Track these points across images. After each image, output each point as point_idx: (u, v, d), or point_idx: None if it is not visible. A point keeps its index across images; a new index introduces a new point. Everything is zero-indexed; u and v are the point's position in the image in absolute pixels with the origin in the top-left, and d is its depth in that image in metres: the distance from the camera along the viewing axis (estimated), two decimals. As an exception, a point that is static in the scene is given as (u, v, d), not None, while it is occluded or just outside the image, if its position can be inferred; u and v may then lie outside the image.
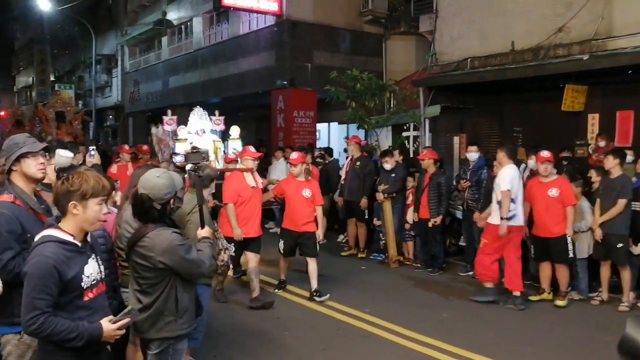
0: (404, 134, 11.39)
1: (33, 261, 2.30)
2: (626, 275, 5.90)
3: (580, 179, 6.48)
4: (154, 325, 2.91)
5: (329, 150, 10.55)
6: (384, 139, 11.19)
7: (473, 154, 7.39)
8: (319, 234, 6.34)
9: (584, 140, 9.26)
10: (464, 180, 7.34)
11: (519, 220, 5.94)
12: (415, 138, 11.24)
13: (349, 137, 9.96)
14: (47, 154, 3.06)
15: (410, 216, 7.80)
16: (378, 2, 14.47)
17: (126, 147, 10.07)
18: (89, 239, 2.53)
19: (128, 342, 3.59)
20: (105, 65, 26.04)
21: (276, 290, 6.51)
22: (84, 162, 6.22)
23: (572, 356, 4.83)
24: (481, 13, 9.87)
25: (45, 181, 3.21)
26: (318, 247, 6.36)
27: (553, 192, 5.99)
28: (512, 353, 4.83)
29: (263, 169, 9.55)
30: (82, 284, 2.39)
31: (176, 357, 3.01)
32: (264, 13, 14.16)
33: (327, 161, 9.87)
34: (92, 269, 2.46)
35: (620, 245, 5.82)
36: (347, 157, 9.14)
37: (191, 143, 6.66)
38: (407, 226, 7.94)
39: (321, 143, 15.30)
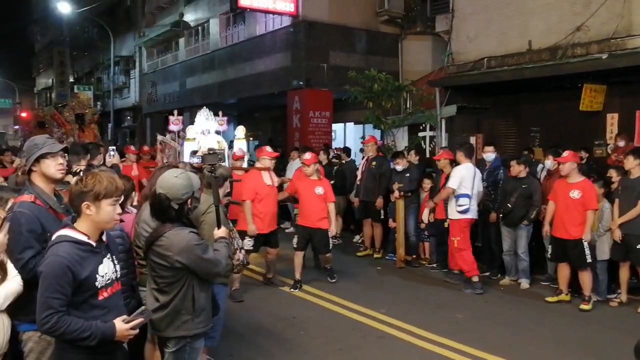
0: (420, 134, 11.35)
1: (47, 261, 2.35)
2: (646, 277, 5.82)
3: (594, 177, 6.37)
4: (171, 323, 2.94)
5: (347, 150, 10.57)
6: (400, 139, 11.16)
7: (489, 155, 7.33)
8: (332, 229, 6.63)
9: (602, 140, 9.12)
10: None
11: (472, 214, 6.60)
12: (432, 138, 11.20)
13: (365, 137, 9.96)
14: (66, 154, 3.11)
15: (426, 216, 7.78)
16: (394, 2, 14.42)
17: (132, 147, 10.26)
18: (104, 238, 2.56)
19: (146, 341, 3.63)
20: (124, 66, 26.37)
21: (292, 290, 6.59)
22: (104, 163, 6.34)
23: (590, 358, 4.77)
24: (498, 12, 9.79)
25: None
26: (331, 244, 6.72)
27: (575, 194, 5.91)
28: (528, 354, 4.79)
29: (280, 169, 9.62)
30: (97, 283, 2.42)
31: (193, 355, 3.04)
32: (280, 14, 14.21)
33: (343, 161, 9.89)
34: (107, 269, 2.48)
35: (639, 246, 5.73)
36: (363, 158, 9.14)
37: (198, 142, 6.80)
38: (422, 226, 7.93)
39: (337, 143, 15.31)
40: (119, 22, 26.14)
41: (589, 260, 5.87)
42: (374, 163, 8.37)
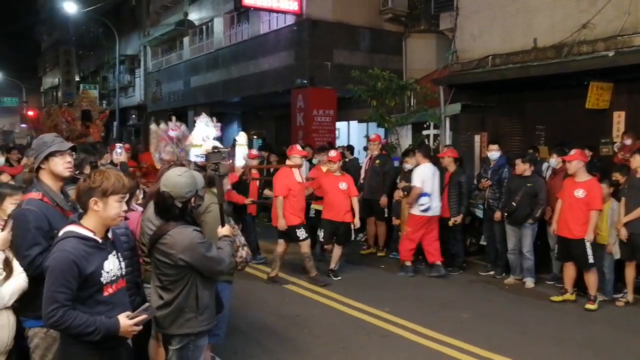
0: (424, 132, 11.32)
1: (54, 256, 2.38)
2: (652, 276, 5.78)
3: (597, 176, 6.30)
4: (175, 321, 2.95)
5: (350, 148, 10.54)
6: (404, 137, 11.14)
7: (494, 153, 7.30)
8: (356, 222, 7.06)
9: (609, 138, 9.05)
10: (485, 179, 7.26)
11: (434, 212, 7.03)
12: (436, 137, 11.17)
13: (368, 135, 9.95)
14: (73, 153, 3.15)
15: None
16: (398, 0, 14.39)
17: (127, 145, 10.39)
18: (110, 235, 2.59)
19: (150, 338, 3.65)
20: (129, 65, 26.45)
21: (332, 277, 7.00)
22: (111, 161, 6.36)
23: (595, 358, 4.75)
24: (503, 10, 9.73)
25: None
26: (353, 236, 7.25)
27: (579, 193, 5.86)
28: (533, 354, 4.78)
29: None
30: (102, 279, 2.45)
31: (197, 353, 3.05)
32: (284, 12, 14.20)
33: (347, 159, 9.87)
34: (112, 265, 2.52)
35: (645, 245, 5.69)
36: (366, 156, 9.13)
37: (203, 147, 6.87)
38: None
39: (341, 141, 15.29)
40: (124, 21, 26.22)
41: (591, 260, 5.82)
42: (377, 161, 8.36)
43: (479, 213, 7.67)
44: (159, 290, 2.99)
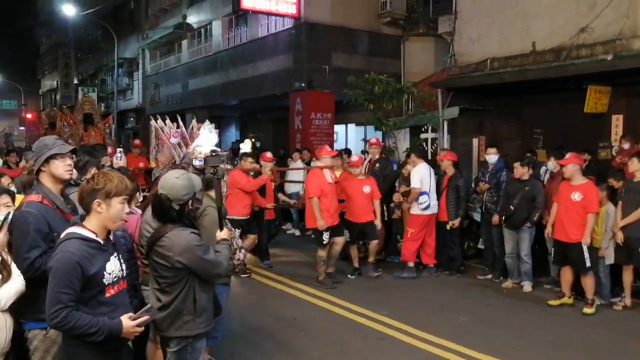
0: (422, 135, 11.33)
1: (57, 257, 2.40)
2: (649, 280, 5.77)
3: (593, 179, 6.30)
4: (172, 323, 2.96)
5: (348, 152, 10.53)
6: (402, 141, 11.15)
7: (492, 156, 7.30)
8: (378, 223, 7.21)
9: (607, 142, 9.07)
10: (483, 183, 7.26)
11: (433, 210, 7.19)
12: (434, 140, 11.18)
13: (369, 139, 9.97)
14: (74, 156, 3.15)
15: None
16: (396, 3, 14.43)
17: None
18: (111, 237, 2.62)
19: (148, 340, 3.64)
20: (127, 68, 26.46)
21: (350, 276, 7.20)
22: (111, 165, 6.36)
23: (594, 362, 4.74)
24: (501, 14, 9.76)
25: None
26: (377, 232, 7.30)
27: (576, 196, 5.85)
28: (531, 357, 4.77)
29: (282, 172, 9.67)
30: (104, 280, 2.47)
31: (195, 355, 3.06)
32: (282, 16, 14.23)
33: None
34: (114, 267, 2.54)
35: (641, 249, 5.69)
36: (365, 159, 9.12)
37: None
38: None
39: (338, 145, 15.31)
40: (123, 24, 26.23)
41: (588, 264, 5.80)
42: (377, 165, 8.36)
43: (477, 216, 7.67)
44: (157, 293, 3.00)
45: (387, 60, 14.61)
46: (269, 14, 14.31)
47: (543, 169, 7.46)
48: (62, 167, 2.99)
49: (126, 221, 3.14)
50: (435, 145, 10.85)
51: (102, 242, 2.51)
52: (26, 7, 41.42)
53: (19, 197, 3.39)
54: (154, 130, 7.35)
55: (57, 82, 34.46)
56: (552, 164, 6.90)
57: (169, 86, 21.93)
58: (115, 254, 2.60)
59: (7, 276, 2.71)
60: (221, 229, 3.31)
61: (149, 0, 23.61)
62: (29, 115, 32.16)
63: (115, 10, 26.60)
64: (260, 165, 7.40)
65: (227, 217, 6.83)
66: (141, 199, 4.18)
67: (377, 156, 8.50)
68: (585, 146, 7.90)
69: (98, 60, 30.34)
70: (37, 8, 40.56)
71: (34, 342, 2.79)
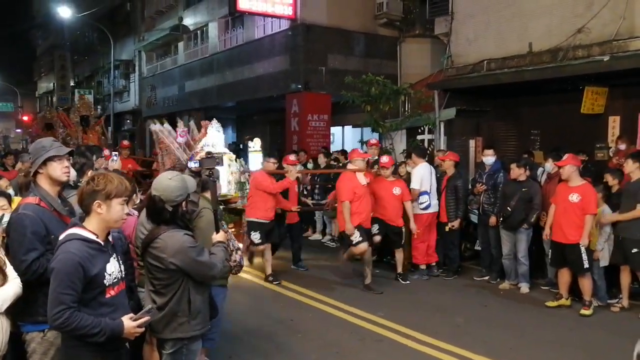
0: (419, 137, 11.31)
1: (59, 258, 2.40)
2: (645, 280, 5.76)
3: (589, 180, 6.30)
4: (167, 325, 2.95)
5: (344, 153, 10.50)
6: (399, 142, 11.13)
7: (489, 158, 7.29)
8: (411, 226, 7.04)
9: (604, 143, 9.07)
10: (480, 184, 7.25)
11: (433, 209, 7.28)
12: (430, 141, 11.16)
13: (368, 140, 9.95)
14: (71, 157, 3.14)
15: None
16: (393, 4, 14.43)
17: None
18: (110, 238, 2.63)
19: (144, 342, 3.62)
20: (123, 70, 26.40)
21: (402, 281, 7.13)
22: (106, 168, 6.36)
23: (591, 363, 4.73)
24: (498, 15, 9.76)
25: None
26: (403, 240, 7.13)
27: (574, 197, 5.84)
28: (530, 358, 4.76)
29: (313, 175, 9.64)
30: (105, 281, 2.49)
31: (190, 357, 3.05)
32: (279, 17, 14.20)
33: (341, 164, 9.84)
34: (114, 268, 2.56)
35: (635, 250, 5.67)
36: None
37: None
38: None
39: (335, 146, 15.28)
40: (119, 26, 26.19)
41: (586, 265, 5.80)
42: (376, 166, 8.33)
43: (474, 218, 7.65)
44: (152, 295, 2.99)
45: (384, 61, 14.60)
46: (265, 15, 14.28)
47: (540, 170, 7.45)
48: (60, 169, 2.99)
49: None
50: (432, 146, 10.83)
51: (102, 243, 2.53)
52: (22, 9, 41.32)
53: (16, 200, 3.37)
54: (155, 134, 7.31)
55: (54, 84, 34.36)
56: (549, 165, 6.89)
57: (166, 88, 21.88)
58: (115, 255, 2.62)
59: (4, 279, 2.70)
60: (217, 231, 3.30)
61: (145, 2, 23.57)
62: (25, 118, 32.05)
63: (112, 13, 26.55)
64: (283, 168, 7.30)
65: (249, 219, 6.86)
66: (138, 200, 4.15)
67: (377, 157, 8.48)
68: (582, 147, 7.90)
69: (94, 63, 30.27)
70: (34, 10, 40.46)
71: (32, 344, 2.79)
